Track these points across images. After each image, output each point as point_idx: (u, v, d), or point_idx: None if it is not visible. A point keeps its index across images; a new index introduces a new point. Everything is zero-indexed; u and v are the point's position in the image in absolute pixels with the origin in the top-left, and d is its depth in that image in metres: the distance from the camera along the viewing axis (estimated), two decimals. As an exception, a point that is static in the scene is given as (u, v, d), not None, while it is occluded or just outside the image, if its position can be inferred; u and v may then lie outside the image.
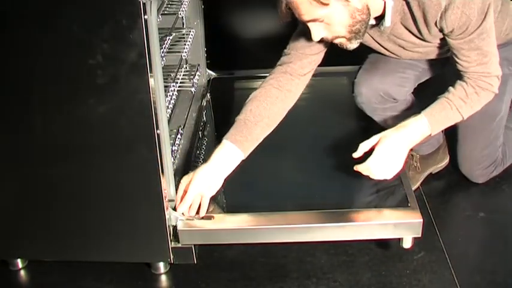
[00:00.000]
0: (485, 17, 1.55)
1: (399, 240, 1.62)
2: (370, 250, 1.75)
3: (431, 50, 1.76)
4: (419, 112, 1.66)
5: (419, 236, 1.58)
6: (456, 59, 1.63)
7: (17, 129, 1.51)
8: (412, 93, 1.97)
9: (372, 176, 1.64)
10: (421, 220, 1.56)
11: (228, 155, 1.62)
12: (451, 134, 1.99)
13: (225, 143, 1.62)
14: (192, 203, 1.60)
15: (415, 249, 1.71)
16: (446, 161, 2.16)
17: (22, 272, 1.74)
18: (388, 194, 1.65)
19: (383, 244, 1.75)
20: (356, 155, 1.65)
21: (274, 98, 1.68)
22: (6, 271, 1.74)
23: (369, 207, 1.62)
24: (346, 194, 1.70)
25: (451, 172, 2.08)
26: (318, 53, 1.72)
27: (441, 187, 2.05)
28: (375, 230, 1.58)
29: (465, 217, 1.93)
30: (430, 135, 1.66)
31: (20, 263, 1.74)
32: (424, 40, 1.68)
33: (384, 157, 1.62)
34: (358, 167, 1.65)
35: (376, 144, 1.63)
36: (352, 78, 1.97)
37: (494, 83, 1.66)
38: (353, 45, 1.56)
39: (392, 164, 1.63)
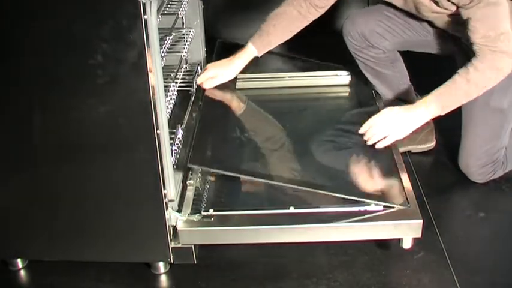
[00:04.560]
0: None
1: (399, 240, 1.62)
2: (370, 250, 1.75)
3: (440, 17, 1.83)
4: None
5: (420, 236, 1.58)
6: (467, 31, 1.69)
7: (17, 129, 1.51)
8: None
9: (369, 136, 1.77)
10: (421, 221, 1.56)
11: (247, 52, 2.02)
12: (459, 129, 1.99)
13: (248, 44, 2.01)
14: (208, 80, 2.01)
15: (415, 249, 1.70)
16: (429, 144, 2.18)
17: (22, 272, 1.74)
18: (388, 195, 1.65)
19: (383, 244, 1.75)
20: (362, 130, 1.80)
21: (294, 19, 1.97)
22: (6, 271, 1.74)
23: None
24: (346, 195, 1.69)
25: (451, 172, 2.08)
26: None
27: (441, 187, 2.04)
28: (375, 231, 1.58)
29: (465, 217, 1.93)
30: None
31: (20, 263, 1.74)
32: (437, 4, 1.75)
33: (386, 119, 1.76)
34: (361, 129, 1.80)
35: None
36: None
37: (500, 60, 1.67)
38: None
39: (392, 128, 1.75)
